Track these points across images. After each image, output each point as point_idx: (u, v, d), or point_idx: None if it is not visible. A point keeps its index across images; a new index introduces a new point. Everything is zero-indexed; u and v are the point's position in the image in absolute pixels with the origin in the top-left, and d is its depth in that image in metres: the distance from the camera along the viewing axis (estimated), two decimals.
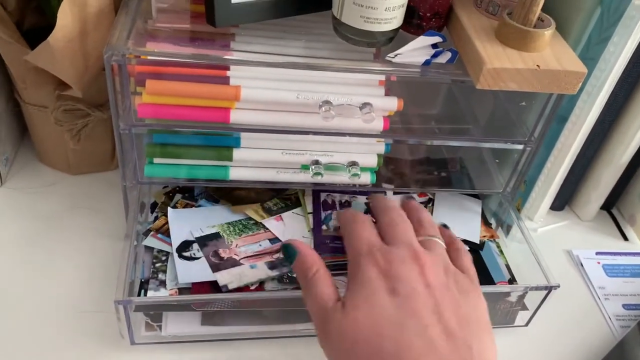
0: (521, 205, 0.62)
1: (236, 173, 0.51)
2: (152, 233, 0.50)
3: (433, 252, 0.41)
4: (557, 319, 0.55)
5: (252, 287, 0.47)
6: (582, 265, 0.61)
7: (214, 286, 0.46)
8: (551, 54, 0.44)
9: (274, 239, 0.51)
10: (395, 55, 0.46)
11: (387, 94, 0.48)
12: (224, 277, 0.47)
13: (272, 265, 0.48)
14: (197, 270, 0.47)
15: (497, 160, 0.60)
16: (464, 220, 0.57)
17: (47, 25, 0.46)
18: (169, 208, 0.52)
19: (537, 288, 0.50)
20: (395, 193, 0.58)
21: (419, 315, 0.35)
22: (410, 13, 0.47)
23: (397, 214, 0.45)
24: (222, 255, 0.48)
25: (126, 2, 0.48)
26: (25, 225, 0.56)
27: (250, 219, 0.52)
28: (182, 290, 0.46)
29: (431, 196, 0.59)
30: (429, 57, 0.46)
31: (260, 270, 0.48)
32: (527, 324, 0.53)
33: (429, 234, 0.43)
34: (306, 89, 0.46)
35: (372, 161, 0.52)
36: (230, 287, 0.46)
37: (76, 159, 0.60)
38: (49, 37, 0.44)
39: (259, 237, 0.51)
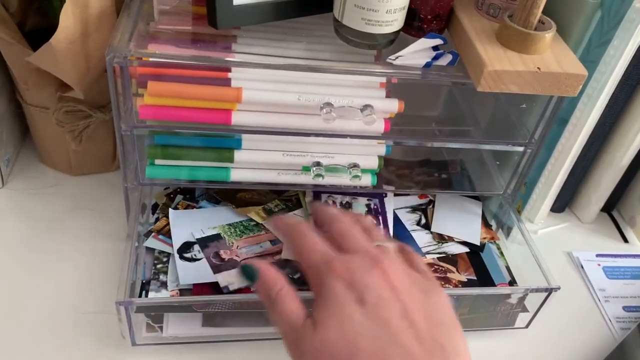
0: (522, 207, 0.62)
1: (237, 174, 0.51)
2: (153, 234, 0.50)
3: (389, 256, 0.41)
4: (558, 321, 0.55)
5: (253, 289, 0.47)
6: (582, 267, 0.61)
7: (214, 287, 0.46)
8: (552, 56, 0.44)
9: (274, 241, 0.51)
10: (396, 58, 0.46)
11: (388, 96, 0.49)
12: (225, 279, 0.47)
13: None
14: (198, 271, 0.47)
15: (497, 162, 0.60)
16: (464, 222, 0.57)
17: (49, 27, 0.46)
18: (170, 209, 0.52)
19: (537, 290, 0.50)
20: (396, 195, 0.58)
21: (389, 323, 0.35)
22: (411, 15, 0.47)
23: (345, 221, 0.44)
24: (223, 256, 0.49)
25: (128, 4, 0.48)
26: (26, 226, 0.56)
27: (251, 220, 0.52)
28: (183, 292, 0.46)
29: (432, 198, 0.59)
30: (429, 60, 0.46)
31: None
32: (527, 326, 0.53)
33: (378, 239, 0.43)
34: (307, 90, 0.46)
35: (373, 163, 0.52)
36: (232, 288, 0.46)
37: (78, 160, 0.60)
38: (51, 39, 0.44)
39: (260, 239, 0.51)
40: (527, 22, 0.44)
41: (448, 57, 0.47)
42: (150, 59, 0.43)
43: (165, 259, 0.48)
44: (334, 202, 0.55)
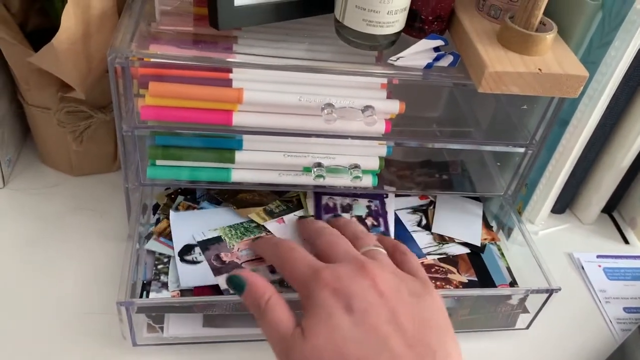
0: (522, 208, 0.62)
1: (238, 175, 0.51)
2: (154, 237, 0.50)
3: (377, 261, 0.41)
4: (558, 322, 0.55)
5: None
6: (583, 268, 0.61)
7: (215, 289, 0.46)
8: (553, 57, 0.44)
9: None
10: (398, 59, 0.46)
11: (389, 96, 0.49)
12: (225, 281, 0.47)
13: (273, 269, 0.48)
14: (198, 274, 0.47)
15: (498, 163, 0.60)
16: (465, 223, 0.57)
17: (50, 27, 0.46)
18: (171, 211, 0.52)
19: (538, 291, 0.50)
20: (396, 195, 0.58)
21: (378, 329, 0.35)
22: (413, 16, 0.47)
23: (330, 232, 0.45)
24: (224, 259, 0.49)
25: (129, 4, 0.48)
26: (27, 226, 0.56)
27: (252, 221, 0.52)
28: (184, 292, 0.46)
29: (432, 199, 0.59)
30: (430, 61, 0.46)
31: (262, 274, 0.48)
32: (528, 327, 0.53)
33: (368, 244, 0.43)
34: (308, 91, 0.46)
35: (374, 164, 0.52)
36: (232, 291, 0.46)
37: (79, 160, 0.60)
38: (53, 40, 0.44)
39: None
40: (528, 23, 0.44)
41: (449, 58, 0.47)
42: (152, 60, 0.43)
43: (166, 260, 0.48)
44: (334, 204, 0.55)
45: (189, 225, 0.51)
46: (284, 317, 0.38)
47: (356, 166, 0.51)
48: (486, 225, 0.58)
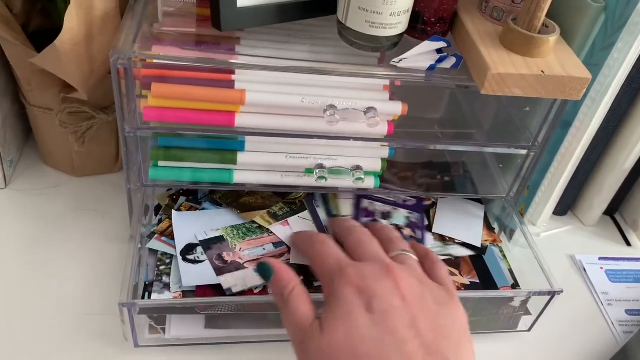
0: (524, 210, 0.62)
1: (240, 176, 0.51)
2: (156, 236, 0.50)
3: (406, 265, 0.41)
4: (560, 324, 0.55)
5: (256, 291, 0.47)
6: (585, 270, 0.61)
7: (217, 289, 0.46)
8: (555, 60, 0.44)
9: (277, 243, 0.51)
10: (400, 60, 0.46)
11: (391, 98, 0.49)
12: (227, 281, 0.47)
13: None
14: (201, 273, 0.47)
15: (500, 165, 0.60)
16: (466, 225, 0.57)
17: (53, 28, 0.46)
18: (173, 211, 0.52)
19: (540, 293, 0.50)
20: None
21: (396, 331, 0.35)
22: (415, 18, 0.47)
23: (362, 232, 0.45)
24: (226, 258, 0.49)
25: (132, 6, 0.48)
26: (29, 226, 0.56)
27: (254, 222, 0.52)
28: (186, 293, 0.46)
29: (434, 200, 0.59)
30: (433, 62, 0.46)
31: None
32: (530, 329, 0.53)
33: (400, 248, 0.43)
34: (311, 93, 0.46)
35: (376, 165, 0.52)
36: (234, 290, 0.46)
37: (81, 161, 0.60)
38: (56, 40, 0.44)
39: (263, 241, 0.51)
40: (531, 25, 0.44)
41: (452, 60, 0.47)
42: (154, 61, 0.43)
43: (168, 261, 0.48)
44: (374, 210, 0.55)
45: (191, 225, 0.51)
46: (305, 309, 0.39)
47: (358, 168, 0.51)
48: (488, 227, 0.58)
